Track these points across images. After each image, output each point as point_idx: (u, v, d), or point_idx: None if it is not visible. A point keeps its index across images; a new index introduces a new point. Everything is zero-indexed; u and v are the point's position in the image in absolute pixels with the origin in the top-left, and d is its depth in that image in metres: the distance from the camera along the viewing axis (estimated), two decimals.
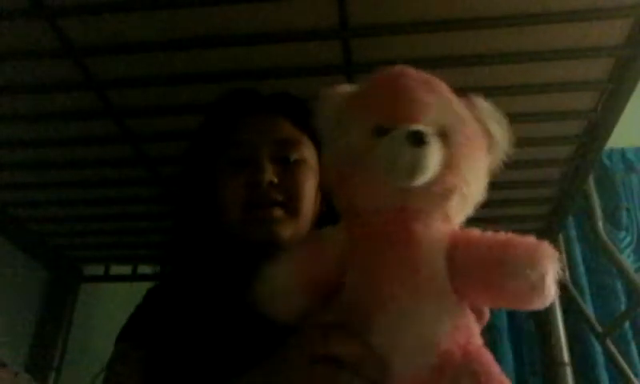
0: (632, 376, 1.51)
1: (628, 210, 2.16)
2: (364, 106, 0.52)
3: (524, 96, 1.09)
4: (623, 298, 1.99)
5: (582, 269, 2.05)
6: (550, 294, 0.45)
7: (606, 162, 2.20)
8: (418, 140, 0.45)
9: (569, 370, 1.53)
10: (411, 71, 0.52)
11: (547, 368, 1.53)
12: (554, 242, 1.60)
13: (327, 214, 0.78)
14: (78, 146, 1.25)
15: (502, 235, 0.48)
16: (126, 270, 1.82)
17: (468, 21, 0.94)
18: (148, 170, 1.31)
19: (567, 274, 1.76)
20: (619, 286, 2.01)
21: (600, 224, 1.56)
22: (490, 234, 0.49)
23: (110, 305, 1.93)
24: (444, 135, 0.49)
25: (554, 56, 1.00)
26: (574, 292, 1.74)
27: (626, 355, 1.82)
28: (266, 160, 0.75)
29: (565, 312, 1.63)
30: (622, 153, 2.25)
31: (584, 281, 2.04)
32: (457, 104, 0.52)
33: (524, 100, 1.10)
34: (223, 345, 0.66)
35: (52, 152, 1.27)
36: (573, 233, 2.10)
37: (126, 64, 1.04)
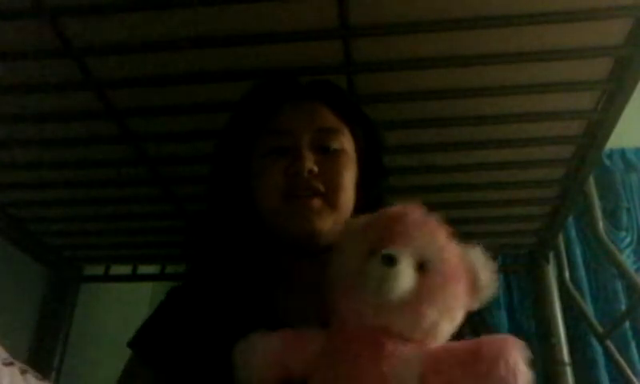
0: (632, 376, 1.51)
1: (628, 210, 2.16)
2: (365, 231, 0.60)
3: (524, 96, 1.09)
4: (623, 298, 1.99)
5: (582, 269, 2.06)
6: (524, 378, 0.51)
7: (606, 162, 2.21)
8: (389, 260, 0.53)
9: (569, 370, 1.53)
10: (414, 209, 0.59)
11: (547, 368, 1.53)
12: (554, 242, 1.61)
13: (363, 208, 0.75)
14: (78, 146, 1.25)
15: (469, 342, 0.55)
16: (126, 269, 1.81)
17: (468, 21, 0.94)
18: (148, 170, 1.31)
19: (567, 273, 1.76)
20: (619, 286, 2.01)
21: (600, 224, 1.56)
22: (456, 344, 0.55)
23: (110, 305, 1.94)
24: (423, 266, 0.55)
25: (554, 56, 1.00)
26: (574, 292, 1.74)
27: (626, 355, 1.82)
28: (306, 148, 0.73)
29: (565, 312, 1.63)
30: (622, 153, 2.26)
31: (584, 281, 2.04)
32: (442, 242, 0.58)
33: (524, 100, 1.10)
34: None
35: (52, 152, 1.27)
36: (573, 233, 2.11)
37: (126, 64, 1.04)
